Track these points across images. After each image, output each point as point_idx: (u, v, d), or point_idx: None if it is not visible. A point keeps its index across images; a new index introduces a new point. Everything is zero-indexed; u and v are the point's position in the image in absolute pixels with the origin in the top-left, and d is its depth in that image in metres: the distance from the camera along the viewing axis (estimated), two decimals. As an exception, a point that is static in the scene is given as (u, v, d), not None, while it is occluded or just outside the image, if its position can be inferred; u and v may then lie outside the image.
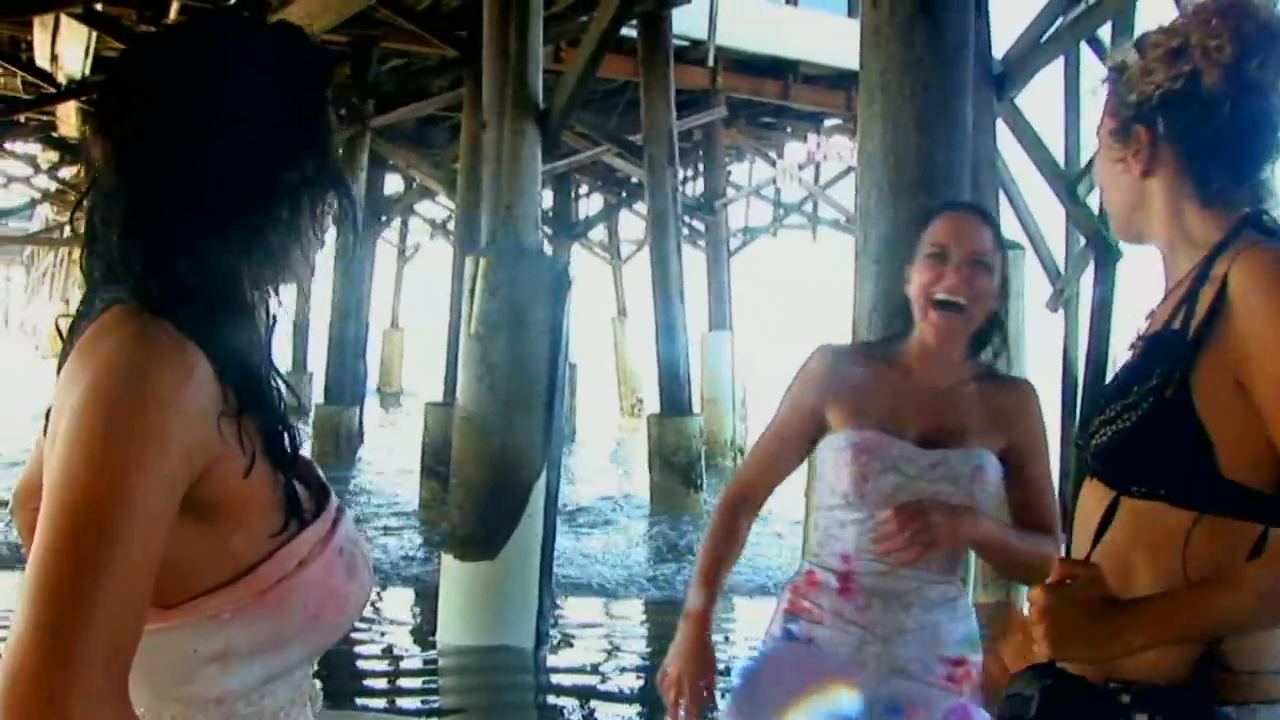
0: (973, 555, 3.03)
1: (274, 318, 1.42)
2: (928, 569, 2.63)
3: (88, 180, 1.36)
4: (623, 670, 8.41)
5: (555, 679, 8.03)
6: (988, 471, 2.66)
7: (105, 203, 1.33)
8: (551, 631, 8.17)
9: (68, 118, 17.34)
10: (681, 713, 2.62)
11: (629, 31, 12.08)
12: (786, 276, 38.13)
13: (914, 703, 2.61)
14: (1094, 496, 1.83)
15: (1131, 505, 1.75)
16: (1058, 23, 9.26)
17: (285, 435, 1.39)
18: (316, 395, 15.88)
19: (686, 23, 14.06)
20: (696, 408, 13.86)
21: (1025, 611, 1.72)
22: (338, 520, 1.44)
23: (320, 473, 1.50)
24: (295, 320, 17.25)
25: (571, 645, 8.55)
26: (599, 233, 25.66)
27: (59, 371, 1.30)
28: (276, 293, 1.42)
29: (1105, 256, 9.12)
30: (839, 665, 2.63)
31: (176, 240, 1.30)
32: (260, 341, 1.40)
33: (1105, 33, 9.59)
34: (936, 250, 2.65)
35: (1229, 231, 1.76)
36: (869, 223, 4.47)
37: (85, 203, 1.36)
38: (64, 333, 1.36)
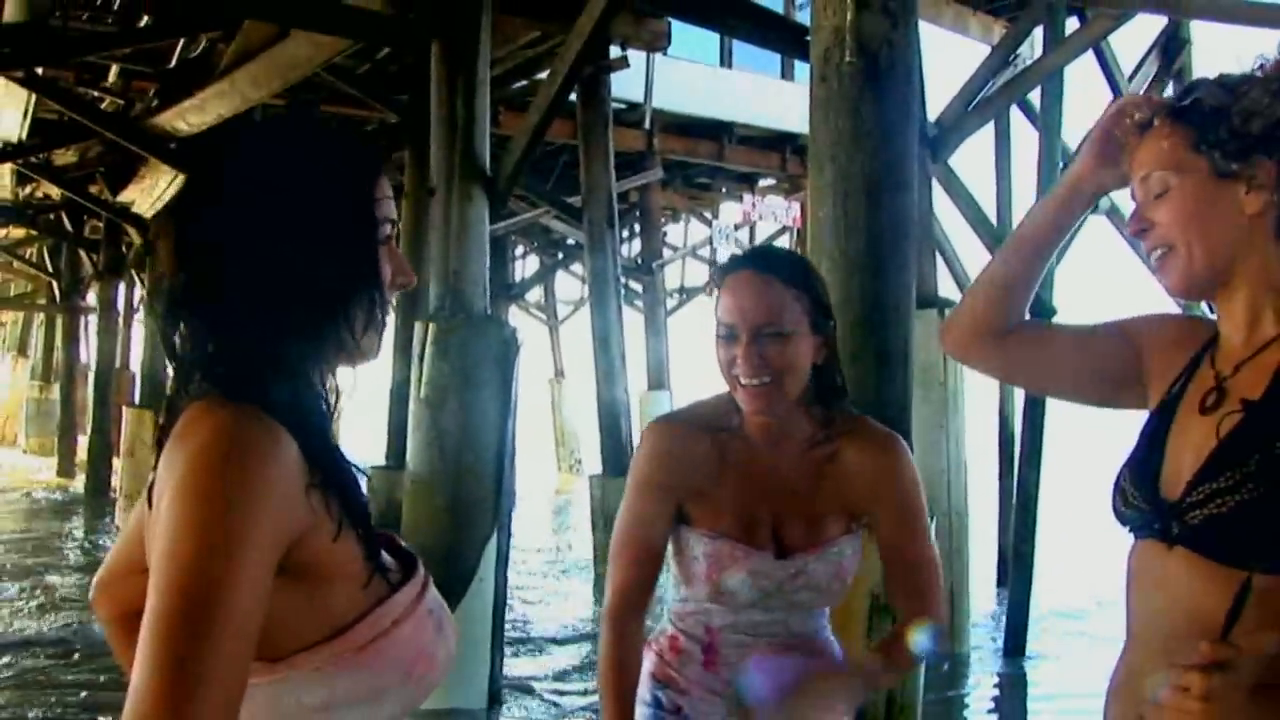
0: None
1: (337, 398, 1.55)
2: (792, 639, 2.57)
3: (165, 275, 1.48)
4: (576, 728, 8.41)
5: (508, 741, 8.03)
6: (848, 562, 2.55)
7: (186, 299, 1.45)
8: (504, 692, 8.18)
9: (1, 180, 17.22)
10: None
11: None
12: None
13: None
14: (1189, 569, 1.68)
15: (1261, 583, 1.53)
16: (988, 87, 9.56)
17: (361, 501, 1.51)
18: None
19: (623, 86, 14.23)
20: (638, 467, 13.82)
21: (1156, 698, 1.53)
22: (426, 583, 1.58)
23: (403, 542, 1.64)
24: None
25: (524, 706, 8.53)
26: (535, 294, 25.81)
27: (155, 464, 1.42)
28: (335, 376, 1.55)
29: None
30: None
31: (255, 338, 1.44)
32: (330, 420, 1.52)
33: (1035, 97, 9.87)
34: (723, 331, 2.48)
35: None
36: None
37: (162, 299, 1.47)
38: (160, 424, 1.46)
